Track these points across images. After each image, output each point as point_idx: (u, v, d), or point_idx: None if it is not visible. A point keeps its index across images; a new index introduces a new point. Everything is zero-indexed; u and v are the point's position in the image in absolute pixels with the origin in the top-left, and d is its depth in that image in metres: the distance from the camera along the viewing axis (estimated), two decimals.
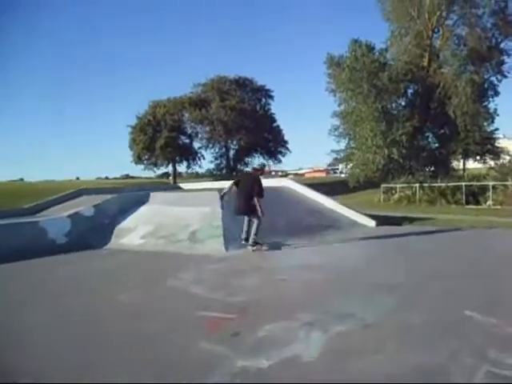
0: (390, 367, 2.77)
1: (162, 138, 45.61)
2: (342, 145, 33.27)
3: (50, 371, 2.92)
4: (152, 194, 11.28)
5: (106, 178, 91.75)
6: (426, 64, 29.92)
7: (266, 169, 46.43)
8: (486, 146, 31.59)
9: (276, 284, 5.11)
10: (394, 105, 30.77)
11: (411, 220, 12.18)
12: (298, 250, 7.60)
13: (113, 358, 3.14)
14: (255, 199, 7.57)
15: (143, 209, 10.46)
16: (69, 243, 9.04)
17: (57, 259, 7.43)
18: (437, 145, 32.68)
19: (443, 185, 22.25)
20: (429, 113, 30.72)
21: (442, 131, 32.00)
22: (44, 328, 3.85)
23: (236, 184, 8.10)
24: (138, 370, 2.90)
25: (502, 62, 29.96)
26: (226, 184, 9.08)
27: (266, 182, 15.25)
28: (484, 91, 29.52)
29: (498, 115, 29.88)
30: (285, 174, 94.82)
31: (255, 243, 7.49)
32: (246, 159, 51.67)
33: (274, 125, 51.37)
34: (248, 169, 54.23)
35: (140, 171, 53.45)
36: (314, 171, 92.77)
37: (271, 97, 52.32)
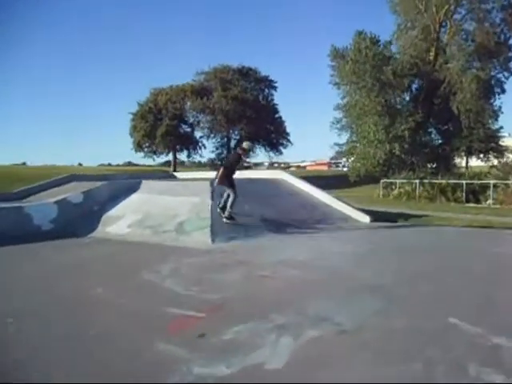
0: (358, 379, 2.53)
1: (163, 125, 45.31)
2: (344, 138, 32.94)
3: None
4: (144, 182, 11.04)
5: (109, 164, 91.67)
6: (431, 58, 29.42)
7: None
8: (490, 144, 31.19)
9: (256, 281, 4.87)
10: (398, 99, 30.30)
11: (407, 217, 11.94)
12: (285, 243, 7.37)
13: (52, 356, 2.92)
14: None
15: (134, 197, 10.23)
16: (55, 230, 8.82)
17: (34, 247, 7.17)
18: (440, 141, 32.28)
19: (444, 182, 21.95)
20: (433, 108, 30.27)
21: (446, 127, 31.59)
22: None
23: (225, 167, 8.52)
24: (77, 371, 2.68)
25: (510, 59, 29.42)
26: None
27: (261, 174, 15.12)
28: (490, 88, 29.05)
29: (502, 113, 29.46)
30: (287, 166, 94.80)
31: (230, 217, 8.10)
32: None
33: (276, 116, 50.93)
34: (250, 160, 54.01)
35: (143, 159, 53.22)
36: (317, 164, 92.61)
37: (274, 87, 51.89)
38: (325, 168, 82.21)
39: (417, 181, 22.93)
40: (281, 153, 52.80)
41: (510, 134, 37.49)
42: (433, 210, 15.78)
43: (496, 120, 29.80)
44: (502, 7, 28.12)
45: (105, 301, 4.16)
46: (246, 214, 8.80)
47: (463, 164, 34.87)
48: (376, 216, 10.79)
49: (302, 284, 4.68)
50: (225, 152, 50.75)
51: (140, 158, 52.57)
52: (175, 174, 18.06)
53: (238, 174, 8.98)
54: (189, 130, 50.06)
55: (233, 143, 51.04)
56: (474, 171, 26.15)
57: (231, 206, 8.10)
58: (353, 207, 10.84)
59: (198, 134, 50.62)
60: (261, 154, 68.79)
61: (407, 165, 27.44)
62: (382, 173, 27.67)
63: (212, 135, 50.38)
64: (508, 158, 28.81)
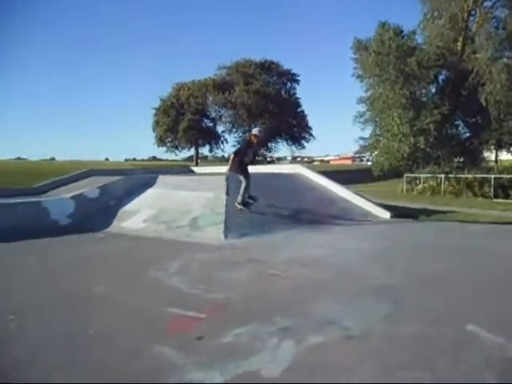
0: None
1: (185, 120, 45.55)
2: (367, 132, 32.21)
3: None
4: (160, 177, 11.03)
5: (134, 159, 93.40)
6: (459, 49, 28.30)
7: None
8: None
9: (264, 279, 4.70)
10: (423, 91, 29.33)
11: (430, 213, 11.50)
12: (299, 240, 7.16)
13: (51, 355, 2.85)
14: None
15: (149, 192, 10.23)
16: (72, 224, 8.91)
17: (47, 242, 7.21)
18: (467, 134, 31.13)
19: (470, 176, 21.16)
20: (460, 100, 29.17)
21: (474, 120, 30.40)
22: None
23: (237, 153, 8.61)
24: (74, 371, 2.60)
25: None
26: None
27: (278, 169, 14.89)
28: None
29: None
30: (311, 161, 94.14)
31: (244, 203, 8.16)
32: (269, 144, 51.02)
33: (299, 110, 50.41)
34: (271, 154, 53.77)
35: (167, 154, 53.77)
36: (341, 158, 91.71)
37: (297, 81, 51.31)
38: (349, 162, 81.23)
39: (442, 175, 22.20)
40: (303, 147, 52.40)
41: None
42: (458, 205, 15.22)
43: None
44: None
45: (109, 298, 4.08)
46: (261, 209, 8.64)
47: (492, 158, 33.60)
48: (397, 212, 10.44)
49: (311, 284, 4.48)
50: None
51: (164, 153, 53.22)
52: (194, 168, 18.02)
53: (255, 169, 8.87)
54: (211, 124, 50.23)
55: None
56: (503, 165, 25.14)
57: (244, 193, 8.16)
58: (373, 203, 10.51)
59: (220, 128, 50.79)
60: (283, 148, 68.49)
61: (432, 159, 26.59)
62: (406, 167, 26.95)
63: (234, 130, 50.36)
64: None
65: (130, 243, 7.15)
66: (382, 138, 29.42)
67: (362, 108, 31.63)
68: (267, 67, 49.34)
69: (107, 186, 10.10)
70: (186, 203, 8.86)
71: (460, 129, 31.28)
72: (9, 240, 7.00)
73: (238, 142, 51.04)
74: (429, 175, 23.34)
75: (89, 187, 10.22)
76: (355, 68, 31.21)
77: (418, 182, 24.13)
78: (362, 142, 34.12)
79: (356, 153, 71.63)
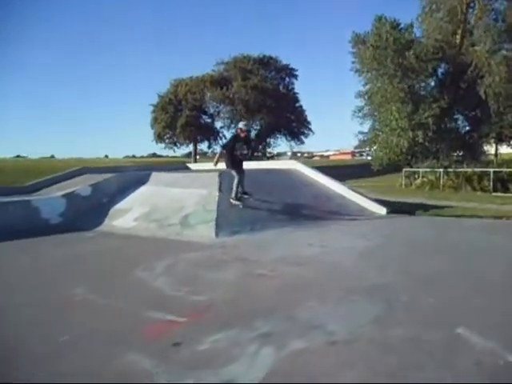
0: None
1: (183, 116, 45.27)
2: (366, 127, 31.99)
3: None
4: (153, 174, 10.86)
5: (133, 156, 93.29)
6: (458, 41, 28.02)
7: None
8: None
9: (250, 280, 4.54)
10: (421, 85, 29.07)
11: (428, 208, 11.33)
12: (292, 238, 7.01)
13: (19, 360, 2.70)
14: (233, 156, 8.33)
15: (142, 189, 10.07)
16: (64, 223, 8.76)
17: (35, 241, 7.07)
18: (467, 128, 30.90)
19: (469, 170, 20.98)
20: (459, 94, 28.89)
21: (473, 113, 30.14)
22: None
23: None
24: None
25: None
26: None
27: (274, 165, 14.71)
28: None
29: None
30: (310, 156, 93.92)
31: (237, 199, 8.17)
32: (268, 140, 50.79)
33: (297, 105, 50.12)
34: (270, 150, 53.55)
35: (166, 150, 53.53)
36: (341, 153, 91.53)
37: (295, 76, 50.97)
38: (348, 157, 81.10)
39: (441, 169, 22.02)
40: (302, 142, 52.13)
41: None
42: (457, 199, 15.05)
43: None
44: None
45: (88, 301, 3.94)
46: (254, 205, 8.49)
47: (492, 151, 33.38)
48: (394, 207, 10.28)
49: (299, 284, 4.32)
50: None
51: (164, 150, 52.95)
52: (189, 165, 17.84)
53: (249, 165, 8.74)
54: (209, 120, 49.92)
55: (253, 133, 50.61)
56: (503, 158, 24.93)
57: (236, 188, 8.17)
58: (369, 199, 10.34)
59: (218, 124, 50.45)
60: (283, 144, 68.26)
61: (431, 153, 26.39)
62: (405, 161, 26.75)
63: (232, 125, 49.94)
64: None
65: (120, 242, 7.01)
66: (380, 133, 29.20)
67: (360, 102, 31.43)
68: (265, 62, 49.00)
69: (99, 184, 9.95)
70: (179, 200, 8.71)
71: (459, 122, 31.05)
72: None
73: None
74: (428, 169, 23.16)
75: (81, 185, 10.07)
76: (353, 62, 30.93)
77: (416, 176, 23.96)
78: (361, 137, 33.93)
79: (356, 148, 71.61)
